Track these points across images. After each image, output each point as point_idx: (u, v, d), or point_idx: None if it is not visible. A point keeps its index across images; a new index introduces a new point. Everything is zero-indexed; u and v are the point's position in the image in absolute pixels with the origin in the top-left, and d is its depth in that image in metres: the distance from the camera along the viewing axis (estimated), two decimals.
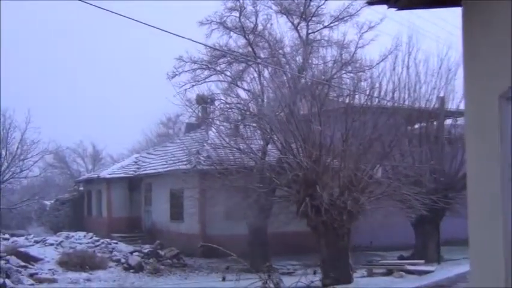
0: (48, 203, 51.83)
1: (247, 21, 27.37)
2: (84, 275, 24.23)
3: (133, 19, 11.99)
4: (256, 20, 27.34)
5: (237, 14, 27.34)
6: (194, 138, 34.55)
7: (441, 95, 27.37)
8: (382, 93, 21.76)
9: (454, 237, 28.70)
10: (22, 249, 25.81)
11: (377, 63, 24.49)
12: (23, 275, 22.69)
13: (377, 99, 21.18)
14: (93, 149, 71.60)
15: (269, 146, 23.74)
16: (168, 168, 33.19)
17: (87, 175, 54.51)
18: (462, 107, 26.85)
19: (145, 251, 28.29)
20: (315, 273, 15.97)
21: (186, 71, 28.10)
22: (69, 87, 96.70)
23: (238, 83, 26.50)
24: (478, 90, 5.72)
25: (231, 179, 22.56)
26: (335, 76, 24.02)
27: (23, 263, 23.87)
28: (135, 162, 43.62)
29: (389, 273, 23.95)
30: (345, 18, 27.38)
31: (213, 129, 26.71)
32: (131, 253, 27.83)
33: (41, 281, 22.71)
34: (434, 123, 28.22)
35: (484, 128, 5.58)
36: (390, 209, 20.64)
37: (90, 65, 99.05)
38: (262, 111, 21.63)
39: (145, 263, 26.60)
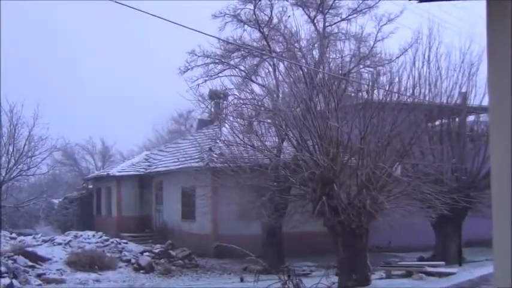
0: (56, 201, 52.05)
1: (261, 13, 27.37)
2: (93, 275, 24.35)
3: (144, 12, 12.00)
4: (271, 12, 27.34)
5: (252, 7, 27.33)
6: (207, 135, 34.58)
7: (463, 90, 27.26)
8: (402, 88, 21.69)
9: (477, 238, 28.61)
10: (29, 249, 25.96)
11: (396, 57, 24.45)
12: (30, 275, 22.83)
13: (396, 95, 21.10)
14: (103, 145, 71.79)
15: (284, 143, 23.71)
16: (180, 166, 33.24)
17: (96, 173, 54.69)
18: (485, 102, 26.78)
19: (156, 251, 28.36)
20: (336, 274, 15.97)
21: (198, 66, 28.17)
22: (79, 82, 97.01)
23: (253, 78, 26.49)
24: (503, 85, 5.68)
25: (244, 177, 22.56)
26: (353, 71, 23.96)
27: (30, 263, 24.02)
28: (146, 159, 43.74)
29: (408, 275, 23.88)
30: (363, 11, 27.33)
31: (226, 125, 26.71)
32: (141, 253, 27.92)
33: (48, 281, 22.85)
34: (456, 119, 28.12)
35: (508, 125, 5.54)
36: (410, 209, 20.54)
37: (100, 60, 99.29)
38: (277, 107, 21.59)
39: (156, 264, 26.69)
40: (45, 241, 28.98)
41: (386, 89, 20.90)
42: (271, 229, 26.22)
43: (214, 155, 27.52)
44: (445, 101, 26.85)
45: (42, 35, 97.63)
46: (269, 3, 27.30)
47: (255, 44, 27.99)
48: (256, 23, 27.14)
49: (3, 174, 39.98)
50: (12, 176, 40.89)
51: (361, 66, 25.50)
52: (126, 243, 30.07)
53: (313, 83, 20.55)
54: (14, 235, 30.55)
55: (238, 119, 25.31)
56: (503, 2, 5.66)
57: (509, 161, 5.54)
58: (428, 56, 25.64)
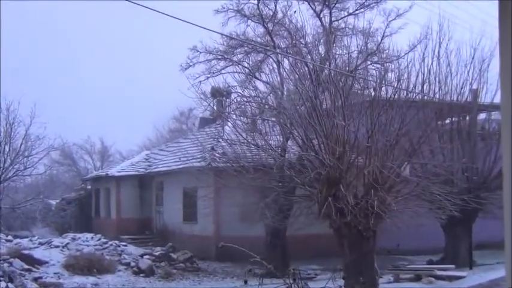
0: (53, 202, 52.10)
1: (266, 8, 27.37)
2: (92, 279, 24.36)
3: (143, 6, 12.00)
4: (275, 7, 27.34)
5: (255, 1, 27.35)
6: (209, 134, 34.60)
7: (474, 87, 27.24)
8: (411, 85, 21.66)
9: (487, 240, 28.65)
10: (26, 252, 26.00)
11: (405, 54, 24.42)
12: (27, 279, 22.85)
13: (405, 92, 21.08)
14: (102, 145, 71.86)
15: (289, 142, 23.72)
16: (181, 166, 33.26)
17: (95, 173, 54.75)
18: (497, 100, 26.77)
19: (157, 254, 28.38)
20: (343, 278, 15.98)
21: (200, 62, 28.20)
22: (77, 80, 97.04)
23: (256, 75, 26.50)
24: None
25: (248, 177, 22.56)
26: (360, 67, 23.94)
27: (26, 266, 24.04)
28: (146, 159, 43.76)
29: (417, 278, 23.91)
30: (371, 5, 27.33)
31: (229, 124, 26.73)
32: (141, 256, 27.94)
33: (46, 285, 22.87)
34: (467, 117, 28.11)
35: None
36: (419, 210, 20.53)
37: (99, 59, 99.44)
38: (281, 104, 21.59)
39: (156, 267, 26.71)
40: (42, 244, 29.00)
41: (395, 86, 20.88)
42: (276, 231, 26.23)
43: (217, 155, 27.53)
44: (455, 99, 26.86)
45: (40, 34, 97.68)
46: None
47: (258, 39, 28.01)
48: (260, 18, 27.13)
49: None
50: (8, 176, 40.91)
51: (369, 63, 25.49)
52: (126, 245, 30.10)
53: (319, 79, 20.53)
54: (9, 237, 30.60)
55: (242, 117, 25.32)
56: None
57: None
58: (438, 52, 25.67)
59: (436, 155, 24.77)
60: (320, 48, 25.56)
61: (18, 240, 30.27)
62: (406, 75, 21.65)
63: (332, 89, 19.58)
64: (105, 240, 30.19)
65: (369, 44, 25.18)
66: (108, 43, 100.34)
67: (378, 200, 18.01)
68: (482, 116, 29.20)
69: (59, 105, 78.00)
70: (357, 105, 20.20)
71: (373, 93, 20.87)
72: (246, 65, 27.63)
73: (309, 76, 21.35)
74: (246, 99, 25.41)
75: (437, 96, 25.47)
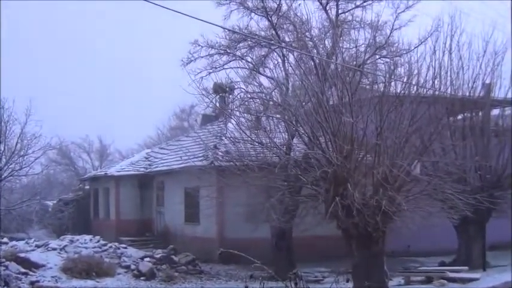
0: (50, 203, 52.20)
1: (270, 0, 27.28)
2: (90, 282, 24.38)
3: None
4: None
5: None
6: (211, 132, 34.63)
7: (487, 81, 27.19)
8: (421, 80, 21.60)
9: (502, 241, 28.66)
10: (22, 255, 25.99)
11: (415, 47, 24.31)
12: (23, 283, 22.87)
13: (415, 87, 21.04)
14: (100, 143, 72.09)
15: (294, 140, 23.70)
16: (183, 165, 33.26)
17: (93, 172, 54.84)
18: (511, 95, 26.77)
19: (158, 256, 28.38)
20: (348, 281, 15.93)
21: (202, 57, 28.11)
22: (74, 76, 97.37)
23: (260, 70, 26.46)
24: None
25: (252, 176, 22.55)
26: (368, 61, 23.89)
27: (23, 270, 24.05)
28: (146, 158, 43.83)
29: (429, 281, 23.91)
30: None
31: (232, 121, 26.68)
32: (142, 259, 27.95)
33: None
34: (480, 113, 28.03)
35: None
36: (430, 210, 20.48)
37: (96, 53, 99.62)
38: (286, 101, 21.55)
39: (157, 270, 26.72)
40: (38, 246, 29.00)
41: (405, 81, 20.85)
42: (281, 232, 26.22)
43: (220, 153, 27.54)
44: (467, 94, 26.81)
45: (36, 30, 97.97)
46: None
47: (262, 33, 27.94)
48: (264, 11, 27.08)
49: None
50: (3, 176, 40.92)
51: (377, 57, 25.39)
52: (126, 248, 30.11)
53: (326, 75, 20.51)
54: (5, 240, 30.57)
55: (245, 114, 25.29)
56: None
57: None
58: (450, 46, 25.63)
59: (447, 152, 24.75)
60: (326, 42, 25.52)
61: (14, 242, 30.23)
62: (416, 70, 21.63)
63: (339, 84, 19.56)
64: (104, 242, 30.18)
65: (377, 38, 25.09)
66: (106, 38, 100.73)
67: (387, 200, 17.99)
68: (495, 111, 29.13)
69: (55, 102, 78.24)
70: (365, 101, 20.17)
71: (382, 89, 20.82)
72: (249, 59, 27.57)
73: (315, 71, 21.33)
74: (249, 96, 25.36)
75: (448, 91, 25.44)
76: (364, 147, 19.46)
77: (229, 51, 27.86)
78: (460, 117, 28.09)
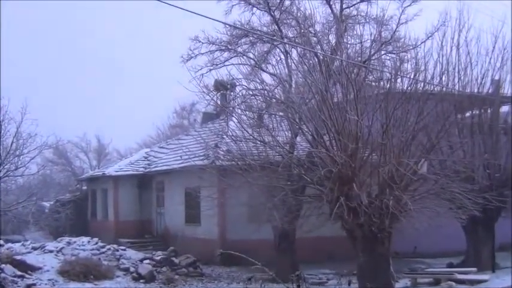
0: (47, 204, 52.19)
1: None
2: (88, 285, 24.42)
3: None
4: None
5: None
6: (212, 130, 34.62)
7: (496, 77, 27.18)
8: (428, 76, 21.58)
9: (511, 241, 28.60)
10: (18, 257, 26.05)
11: (422, 42, 24.28)
12: (19, 286, 22.92)
13: (422, 84, 21.03)
14: (98, 143, 72.11)
15: (298, 138, 23.68)
16: (183, 164, 33.30)
17: (91, 172, 54.89)
18: None
19: (158, 258, 28.43)
20: (349, 284, 15.97)
21: (202, 54, 28.21)
22: (71, 74, 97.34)
23: (263, 66, 26.45)
24: None
25: (254, 176, 22.55)
26: (373, 57, 23.87)
27: (19, 273, 24.09)
28: (146, 157, 43.88)
29: (436, 283, 23.91)
30: None
31: (234, 119, 26.68)
32: (141, 261, 28.00)
33: None
34: (488, 110, 28.03)
35: None
36: (437, 210, 20.46)
37: (93, 50, 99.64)
38: (289, 98, 21.54)
39: (157, 272, 26.77)
40: (35, 248, 29.06)
41: (411, 77, 20.83)
42: (284, 233, 26.25)
43: (221, 152, 27.52)
44: (476, 90, 26.80)
45: (34, 27, 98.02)
46: None
47: (265, 28, 27.99)
48: (266, 6, 27.12)
49: None
50: None
51: (383, 52, 25.43)
52: (125, 250, 30.16)
53: (330, 71, 20.50)
54: (1, 242, 30.62)
55: (247, 112, 25.27)
56: None
57: None
58: (458, 41, 25.62)
59: (455, 150, 24.73)
60: (330, 38, 25.54)
61: (9, 244, 30.29)
62: (423, 66, 21.61)
63: (344, 81, 19.55)
64: (102, 244, 30.22)
65: (383, 33, 25.11)
66: (105, 35, 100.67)
67: (394, 200, 18.00)
68: (504, 108, 29.13)
69: (52, 100, 78.25)
70: (371, 98, 20.17)
71: (388, 85, 20.83)
72: (251, 56, 27.62)
73: (318, 67, 21.31)
74: (251, 93, 25.35)
75: (456, 87, 25.42)
76: (370, 145, 19.47)
77: (230, 47, 27.91)
78: (468, 114, 28.09)
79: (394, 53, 25.53)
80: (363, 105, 19.26)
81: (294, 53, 24.68)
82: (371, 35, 24.28)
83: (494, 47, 26.66)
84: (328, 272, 27.21)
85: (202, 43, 28.01)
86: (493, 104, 27.46)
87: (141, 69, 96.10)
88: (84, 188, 51.18)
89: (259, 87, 24.97)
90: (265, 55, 27.28)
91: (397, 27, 26.04)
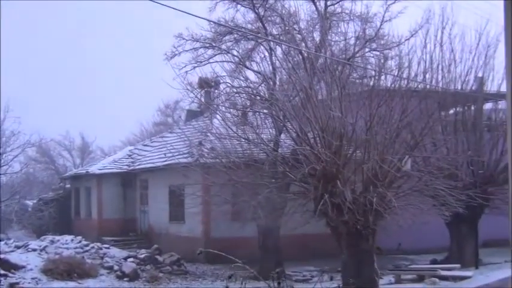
0: (30, 203, 52.06)
1: None
2: (72, 284, 24.36)
3: None
4: None
5: None
6: (196, 128, 34.55)
7: (479, 75, 27.31)
8: (412, 73, 21.72)
9: (494, 238, 28.85)
10: (1, 256, 25.92)
11: (406, 40, 24.45)
12: (2, 285, 22.82)
13: (406, 81, 21.13)
14: (82, 141, 71.95)
15: (282, 136, 23.72)
16: (167, 162, 33.27)
17: (74, 171, 54.76)
18: (504, 88, 26.86)
19: (141, 256, 28.38)
20: (331, 279, 16.02)
21: (186, 51, 28.08)
22: (54, 71, 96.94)
23: (247, 64, 26.48)
24: None
25: (238, 173, 22.56)
26: (358, 55, 23.97)
27: (2, 271, 24.00)
28: (129, 155, 43.75)
29: (420, 279, 24.03)
30: None
31: (218, 116, 26.69)
32: (125, 259, 27.94)
33: None
34: (472, 107, 28.17)
35: None
36: (421, 207, 20.59)
37: (77, 48, 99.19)
38: (274, 95, 21.59)
39: (141, 271, 26.73)
40: (18, 247, 28.93)
41: (395, 74, 20.93)
42: (269, 231, 26.27)
43: (205, 150, 27.50)
44: (459, 87, 26.92)
45: (16, 26, 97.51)
46: None
47: (249, 26, 27.95)
48: (251, 3, 27.08)
49: None
50: None
51: (367, 50, 25.48)
52: (108, 248, 30.08)
53: (314, 68, 20.56)
54: None
55: (231, 110, 25.30)
56: None
57: None
58: (441, 38, 25.74)
59: (439, 147, 24.84)
60: (315, 35, 25.56)
61: None
62: (407, 63, 21.72)
63: (328, 78, 19.63)
64: (86, 242, 30.13)
65: (367, 30, 25.18)
66: (88, 34, 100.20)
67: (378, 197, 18.08)
68: (488, 105, 29.28)
69: (35, 98, 77.87)
70: (355, 96, 20.25)
71: (371, 83, 20.92)
72: (235, 53, 27.58)
73: (303, 65, 21.39)
74: (235, 90, 25.38)
75: (440, 85, 25.55)
76: (354, 142, 19.53)
77: (214, 44, 27.85)
78: (452, 111, 28.22)
79: (378, 51, 25.60)
80: (347, 102, 19.34)
81: (279, 51, 24.72)
82: (355, 32, 24.45)
83: (478, 44, 26.81)
84: (312, 269, 27.26)
85: (186, 40, 27.95)
86: (476, 101, 27.61)
87: (125, 67, 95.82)
88: (68, 186, 50.96)
89: (243, 85, 25.01)
90: (250, 52, 27.27)
91: (381, 24, 26.09)
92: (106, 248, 29.88)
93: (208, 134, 28.52)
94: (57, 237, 31.02)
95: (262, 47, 26.37)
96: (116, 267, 26.76)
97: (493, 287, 21.83)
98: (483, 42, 26.78)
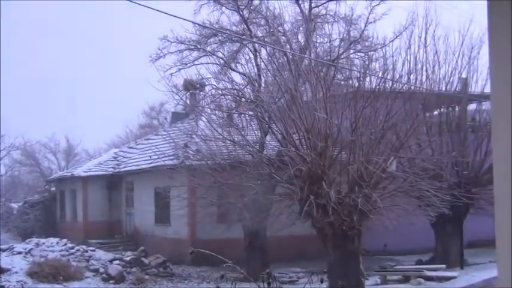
0: (15, 205, 51.87)
1: None
2: (58, 286, 24.24)
3: None
4: None
5: None
6: (181, 130, 34.50)
7: (463, 76, 27.39)
8: (397, 75, 21.76)
9: (479, 238, 28.87)
10: None
11: (390, 41, 24.48)
12: None
13: (391, 82, 21.18)
14: (67, 143, 71.70)
15: (267, 137, 23.74)
16: (152, 164, 33.20)
17: (59, 173, 54.52)
18: (488, 89, 26.97)
19: (127, 259, 28.29)
20: (322, 281, 16.04)
21: (171, 53, 28.09)
22: (39, 73, 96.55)
23: (232, 66, 26.48)
24: (506, 70, 5.72)
25: (224, 175, 22.56)
26: (342, 56, 24.01)
27: None
28: (115, 157, 43.62)
29: (406, 280, 24.06)
30: None
31: (203, 118, 26.67)
32: (111, 262, 27.84)
33: None
34: (456, 108, 28.26)
35: None
36: (406, 207, 20.66)
37: (62, 50, 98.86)
38: (259, 97, 21.60)
39: (127, 273, 26.64)
40: (3, 250, 28.76)
41: (380, 76, 20.97)
42: (255, 232, 26.25)
43: (190, 152, 27.46)
44: (443, 88, 26.98)
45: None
46: None
47: (234, 28, 27.96)
48: (235, 5, 27.09)
49: None
50: None
51: (352, 51, 25.54)
52: (94, 250, 29.97)
53: (299, 70, 20.58)
54: None
55: (217, 112, 25.29)
56: None
57: None
58: (425, 39, 25.76)
59: (424, 148, 24.90)
60: (299, 37, 25.62)
61: None
62: (391, 65, 21.77)
63: (313, 79, 19.63)
64: (71, 245, 29.99)
65: (351, 32, 25.24)
66: (73, 34, 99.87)
67: (363, 198, 18.10)
68: (472, 106, 29.39)
69: (20, 101, 77.48)
70: (340, 97, 20.27)
71: (356, 84, 20.95)
72: (220, 55, 27.60)
73: (288, 66, 21.38)
74: (221, 92, 25.38)
75: (424, 86, 25.59)
76: (339, 144, 19.56)
77: (199, 46, 27.85)
78: (436, 112, 28.30)
79: (362, 52, 25.65)
80: (332, 104, 19.36)
81: (263, 52, 24.74)
82: (340, 34, 24.52)
83: (461, 46, 26.89)
84: (298, 270, 27.24)
85: (171, 42, 27.93)
86: (460, 102, 27.69)
87: (111, 69, 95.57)
88: (53, 189, 50.78)
89: (228, 87, 25.02)
90: (235, 54, 27.27)
91: (365, 26, 26.17)
92: (92, 250, 29.77)
93: (194, 136, 28.50)
94: (42, 240, 30.86)
95: (247, 49, 26.38)
96: (101, 270, 26.65)
97: (478, 287, 21.90)
98: (467, 43, 26.90)
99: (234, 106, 24.79)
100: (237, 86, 24.75)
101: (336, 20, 26.44)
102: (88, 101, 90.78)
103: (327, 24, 26.68)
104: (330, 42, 23.94)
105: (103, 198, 41.38)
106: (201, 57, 27.86)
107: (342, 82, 22.54)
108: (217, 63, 27.16)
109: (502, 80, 5.82)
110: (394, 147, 20.54)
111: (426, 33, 25.71)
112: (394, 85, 21.45)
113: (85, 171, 42.28)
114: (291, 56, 21.91)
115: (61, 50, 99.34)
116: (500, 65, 5.82)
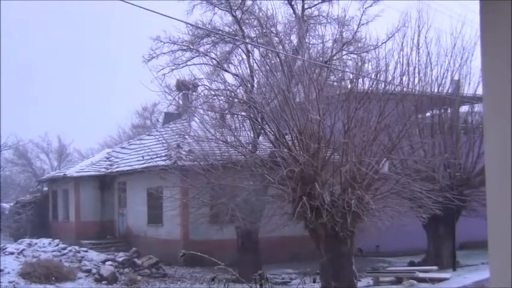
0: (7, 205, 51.66)
1: None
2: (50, 287, 24.19)
3: None
4: None
5: None
6: (174, 130, 34.50)
7: (456, 78, 27.44)
8: (389, 76, 21.77)
9: (471, 240, 28.94)
10: None
11: (383, 43, 24.51)
12: None
13: (383, 84, 21.19)
14: (59, 143, 71.52)
15: (260, 138, 23.74)
16: (145, 165, 33.13)
17: (52, 173, 54.36)
18: (480, 91, 27.03)
19: (120, 259, 28.26)
20: (314, 281, 16.07)
21: (164, 53, 28.10)
22: (31, 72, 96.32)
23: (225, 66, 26.46)
24: (499, 72, 5.73)
25: (216, 176, 22.54)
26: (335, 57, 24.03)
27: None
28: (107, 158, 43.56)
29: (398, 281, 24.07)
30: None
31: (196, 119, 26.66)
32: (103, 262, 27.80)
33: None
34: (448, 110, 28.31)
35: (505, 115, 5.60)
36: (399, 209, 20.69)
37: (55, 49, 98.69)
38: (252, 98, 21.59)
39: (119, 274, 26.60)
40: None
41: (372, 77, 20.98)
42: (247, 233, 26.24)
43: (183, 152, 27.44)
44: (436, 90, 27.02)
45: None
46: None
47: (226, 28, 27.98)
48: (228, 6, 27.11)
49: None
50: None
51: (344, 53, 25.60)
52: (86, 251, 29.92)
53: (292, 71, 20.58)
54: None
55: (209, 112, 25.27)
56: None
57: (505, 155, 5.60)
58: (418, 41, 25.80)
59: (416, 150, 24.94)
60: (292, 38, 25.61)
61: None
62: (384, 66, 21.77)
63: (306, 81, 19.64)
64: (63, 245, 29.95)
65: (344, 33, 25.28)
66: (66, 34, 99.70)
67: (356, 199, 18.11)
68: (464, 108, 29.44)
69: (13, 100, 77.28)
70: (333, 98, 20.27)
71: (349, 86, 20.97)
72: (213, 56, 27.61)
73: (280, 67, 21.38)
74: (213, 93, 25.35)
75: (417, 88, 25.62)
76: (332, 145, 19.56)
77: (192, 47, 27.85)
78: (428, 114, 28.34)
79: (355, 54, 25.70)
80: (324, 105, 19.37)
81: (256, 53, 24.75)
82: (332, 35, 24.53)
83: (454, 48, 26.94)
84: (291, 271, 27.25)
85: (164, 43, 27.95)
86: (452, 104, 27.73)
87: (103, 69, 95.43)
88: (45, 189, 50.67)
89: (221, 87, 24.99)
90: (227, 55, 27.29)
91: (358, 27, 26.23)
92: (84, 251, 29.72)
93: (187, 136, 28.48)
94: (34, 241, 30.79)
95: (240, 49, 26.40)
96: (94, 271, 26.62)
97: None
98: (459, 45, 26.95)
99: (226, 107, 24.78)
100: (229, 87, 24.74)
101: (329, 21, 26.52)
102: (81, 100, 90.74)
103: (319, 26, 26.78)
104: (322, 43, 23.99)
105: (95, 198, 41.30)
106: (193, 57, 27.89)
107: (335, 83, 22.55)
108: (210, 64, 27.17)
109: (494, 81, 5.83)
110: (386, 149, 20.56)
111: (419, 35, 25.77)
112: (387, 87, 21.46)
113: (77, 172, 42.18)
114: (283, 57, 21.91)
115: (54, 49, 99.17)
116: (493, 66, 5.83)
